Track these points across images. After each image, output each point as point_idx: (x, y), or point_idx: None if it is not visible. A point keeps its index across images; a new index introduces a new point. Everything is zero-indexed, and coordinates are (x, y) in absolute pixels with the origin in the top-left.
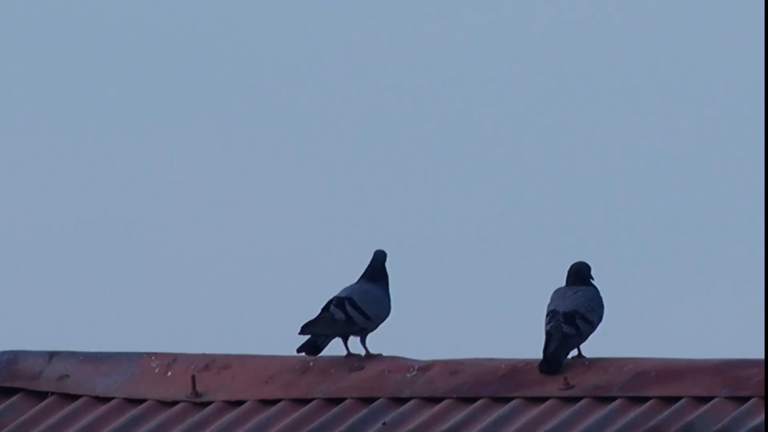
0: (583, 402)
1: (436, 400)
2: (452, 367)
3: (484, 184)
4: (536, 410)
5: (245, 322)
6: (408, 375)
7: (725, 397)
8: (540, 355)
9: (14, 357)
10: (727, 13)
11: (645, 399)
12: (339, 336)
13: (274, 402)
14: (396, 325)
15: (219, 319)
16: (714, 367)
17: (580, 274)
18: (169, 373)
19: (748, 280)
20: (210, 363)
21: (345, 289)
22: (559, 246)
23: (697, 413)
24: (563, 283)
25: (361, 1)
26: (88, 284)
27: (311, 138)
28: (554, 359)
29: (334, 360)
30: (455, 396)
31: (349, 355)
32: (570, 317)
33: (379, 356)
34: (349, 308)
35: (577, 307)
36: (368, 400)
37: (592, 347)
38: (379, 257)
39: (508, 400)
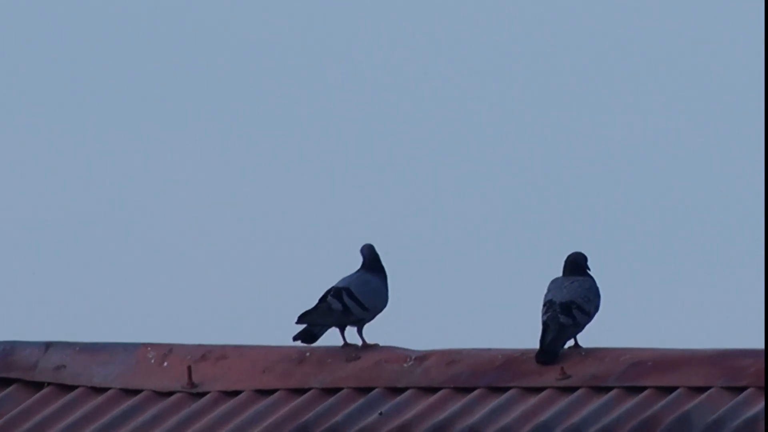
0: (579, 392)
1: (433, 390)
2: (449, 357)
3: (481, 176)
4: (533, 400)
5: (241, 313)
6: (405, 365)
7: (722, 387)
8: (537, 345)
9: (10, 347)
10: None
11: (641, 389)
12: (336, 326)
13: (271, 392)
14: (393, 315)
15: (215, 309)
16: (710, 357)
17: (576, 265)
18: (165, 364)
19: (745, 270)
20: (206, 353)
21: (343, 280)
22: (555, 236)
23: (693, 403)
24: (560, 273)
25: None
26: (84, 275)
27: (305, 128)
28: (551, 349)
29: (330, 350)
30: (452, 386)
31: (346, 345)
32: (567, 307)
33: (375, 346)
34: (346, 298)
35: (573, 297)
36: (365, 390)
37: (588, 337)
38: (370, 252)
39: (505, 390)
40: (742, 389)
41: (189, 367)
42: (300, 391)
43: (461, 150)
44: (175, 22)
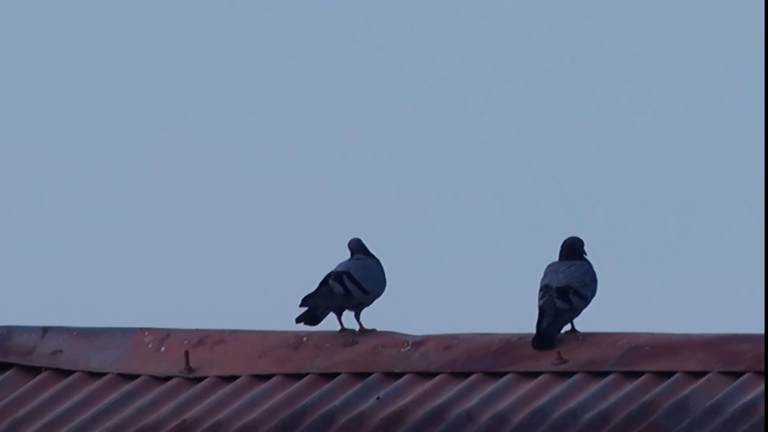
0: (576, 377)
1: (430, 375)
2: (446, 342)
3: (476, 160)
4: (530, 385)
5: (238, 298)
6: (402, 350)
7: (719, 372)
8: (533, 330)
9: (7, 332)
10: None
11: (639, 374)
12: (337, 309)
13: (268, 377)
14: (390, 300)
15: (212, 294)
16: (708, 341)
17: (573, 249)
18: (163, 349)
19: (743, 254)
20: (203, 338)
21: (342, 264)
22: (552, 220)
23: (691, 388)
24: (556, 258)
25: None
26: (81, 259)
27: (297, 115)
28: (547, 334)
29: (327, 335)
30: (449, 371)
31: (343, 330)
32: (563, 292)
33: (373, 331)
34: (347, 282)
35: (570, 282)
36: (362, 375)
37: (585, 322)
38: (357, 245)
39: (502, 374)
40: (739, 374)
41: (186, 352)
42: (297, 376)
43: (457, 135)
44: (167, 17)
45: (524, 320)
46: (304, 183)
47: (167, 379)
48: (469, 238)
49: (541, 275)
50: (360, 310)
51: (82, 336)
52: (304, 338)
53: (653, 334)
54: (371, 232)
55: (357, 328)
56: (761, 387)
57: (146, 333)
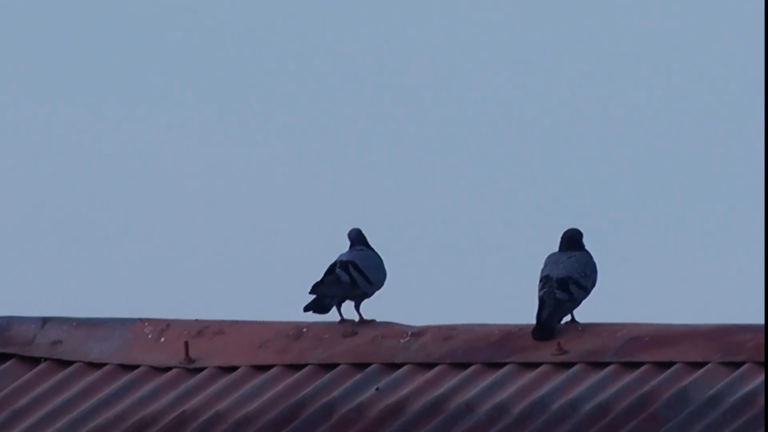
0: (576, 367)
1: (430, 366)
2: (445, 332)
3: (477, 151)
4: (529, 375)
5: (238, 288)
6: (401, 341)
7: (719, 363)
8: (533, 321)
9: (7, 323)
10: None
11: (639, 364)
12: (343, 298)
13: (268, 368)
14: (389, 291)
15: (212, 285)
16: (708, 332)
17: (573, 240)
18: (162, 339)
19: (742, 244)
20: (203, 329)
21: (345, 254)
22: (552, 211)
23: (690, 378)
24: (556, 249)
25: None
26: (81, 249)
27: (295, 106)
28: (547, 325)
29: (327, 326)
30: (448, 361)
31: (343, 320)
32: (563, 283)
33: (372, 322)
34: (353, 271)
35: (570, 272)
36: (362, 366)
37: (585, 312)
38: (357, 235)
39: (502, 365)
40: (739, 364)
41: (186, 343)
42: (296, 367)
43: (456, 125)
44: (167, 16)
45: (524, 311)
46: (302, 173)
47: (167, 369)
48: (468, 228)
49: (541, 266)
50: (360, 301)
51: (82, 326)
52: (304, 329)
53: (653, 324)
54: (370, 222)
55: (357, 318)
56: (761, 377)
57: (146, 323)
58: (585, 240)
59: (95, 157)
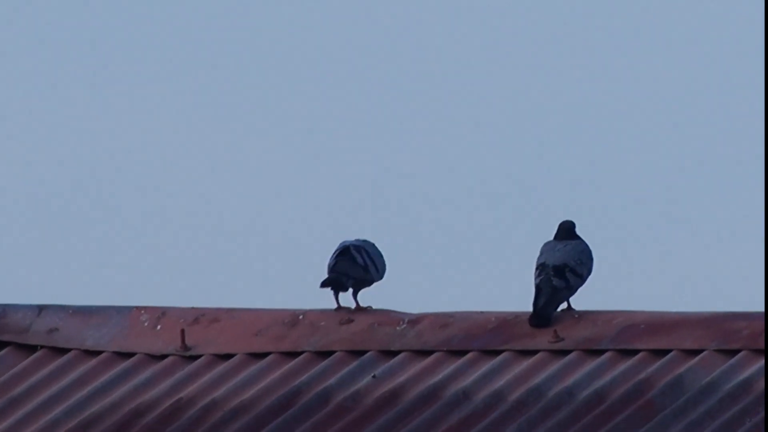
0: (572, 355)
1: (426, 353)
2: (442, 320)
3: (474, 139)
4: (526, 363)
5: (234, 276)
6: (398, 328)
7: (715, 350)
8: (530, 309)
9: (3, 310)
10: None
11: (634, 352)
12: (355, 280)
13: (264, 355)
14: (386, 278)
15: (208, 272)
16: (704, 319)
17: (569, 230)
18: (158, 327)
19: (740, 232)
20: (199, 316)
21: (349, 241)
22: (547, 199)
23: (686, 366)
24: (552, 237)
25: None
26: (76, 237)
27: (294, 100)
28: (544, 313)
29: (323, 313)
30: (445, 349)
31: (339, 308)
32: (560, 270)
33: (369, 309)
34: (364, 255)
35: (566, 260)
36: (358, 353)
37: (581, 300)
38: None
39: (498, 353)
40: (735, 352)
41: (182, 330)
42: (293, 354)
43: (452, 116)
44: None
45: (521, 298)
46: (298, 161)
47: (163, 357)
48: (465, 216)
49: (538, 253)
50: (359, 289)
51: (78, 314)
52: (300, 316)
53: (649, 312)
54: (367, 210)
55: (353, 306)
56: (757, 365)
57: (142, 311)
58: (581, 228)
59: (91, 146)
